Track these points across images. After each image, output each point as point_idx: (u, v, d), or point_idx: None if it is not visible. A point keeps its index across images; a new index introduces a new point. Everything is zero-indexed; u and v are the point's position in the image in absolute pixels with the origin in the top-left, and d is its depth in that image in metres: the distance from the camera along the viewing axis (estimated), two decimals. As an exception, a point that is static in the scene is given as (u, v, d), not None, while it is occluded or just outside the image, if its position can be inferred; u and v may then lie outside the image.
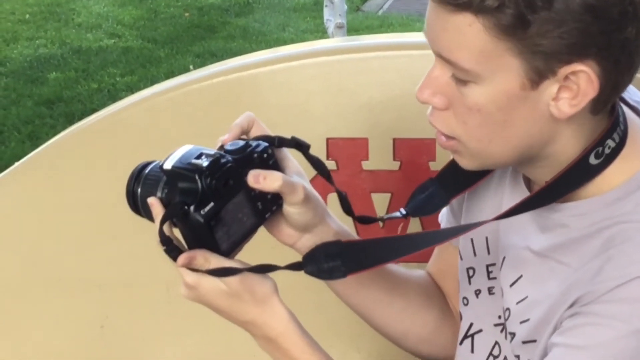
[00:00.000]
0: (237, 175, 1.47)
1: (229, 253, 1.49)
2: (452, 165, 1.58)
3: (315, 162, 1.59)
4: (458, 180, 1.61)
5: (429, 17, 1.40)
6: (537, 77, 1.37)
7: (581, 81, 1.36)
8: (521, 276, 1.54)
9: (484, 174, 1.60)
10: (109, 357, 2.40)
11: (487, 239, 1.62)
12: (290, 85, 2.31)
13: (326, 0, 5.30)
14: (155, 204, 1.47)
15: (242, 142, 1.51)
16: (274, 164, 1.53)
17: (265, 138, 1.54)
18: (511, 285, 1.55)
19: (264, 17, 7.93)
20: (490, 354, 1.64)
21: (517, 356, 1.55)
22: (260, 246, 1.58)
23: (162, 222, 1.46)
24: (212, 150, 1.48)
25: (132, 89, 6.23)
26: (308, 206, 1.56)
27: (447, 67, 1.40)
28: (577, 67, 1.35)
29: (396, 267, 1.73)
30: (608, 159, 1.44)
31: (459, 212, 1.69)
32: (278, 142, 1.56)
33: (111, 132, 2.40)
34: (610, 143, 1.44)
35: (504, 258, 1.58)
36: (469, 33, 1.35)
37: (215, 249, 1.47)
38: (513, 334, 1.55)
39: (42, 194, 2.41)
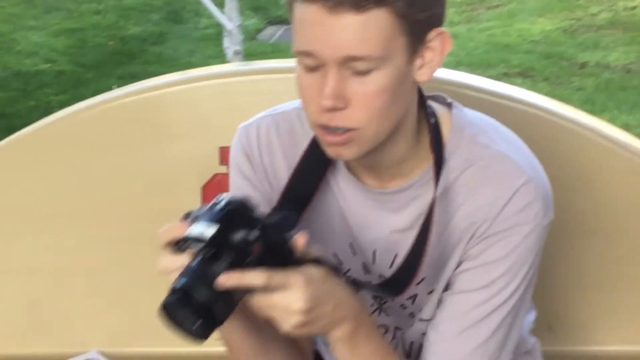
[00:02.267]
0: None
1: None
2: (290, 185, 1.54)
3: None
4: (296, 197, 1.53)
5: (325, 31, 1.34)
6: (415, 49, 1.39)
7: (445, 39, 1.41)
8: (397, 255, 1.54)
9: (317, 185, 1.54)
10: (35, 334, 2.34)
11: (350, 244, 1.58)
12: (193, 103, 2.28)
13: (225, 30, 5.28)
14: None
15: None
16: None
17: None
18: (390, 266, 1.54)
19: (176, 45, 7.88)
20: (412, 342, 1.64)
21: (411, 315, 1.59)
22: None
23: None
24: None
25: (64, 106, 6.08)
26: None
27: (345, 68, 1.36)
28: (437, 32, 1.40)
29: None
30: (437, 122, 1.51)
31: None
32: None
33: (44, 141, 2.36)
34: (431, 104, 1.53)
35: (374, 251, 1.57)
36: (382, 25, 1.34)
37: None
38: (413, 297, 1.56)
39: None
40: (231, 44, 5.22)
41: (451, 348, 1.50)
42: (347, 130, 1.39)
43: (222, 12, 5.30)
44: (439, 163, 1.47)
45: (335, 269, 1.37)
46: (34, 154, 2.34)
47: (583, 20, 7.89)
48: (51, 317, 2.32)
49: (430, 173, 1.47)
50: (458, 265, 1.50)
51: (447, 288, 1.52)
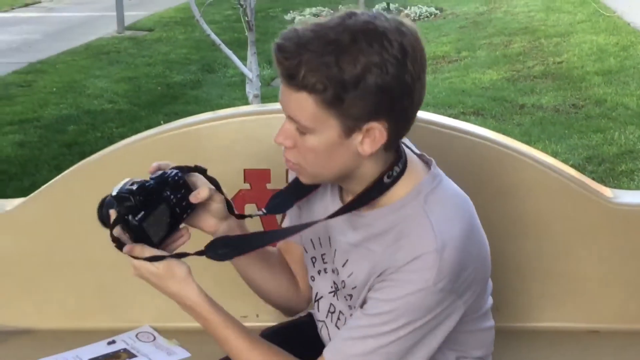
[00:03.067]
0: (157, 192, 1.50)
1: (159, 244, 1.50)
2: (294, 181, 1.60)
3: (211, 180, 1.61)
4: (298, 191, 1.62)
5: (281, 91, 1.41)
6: (349, 131, 1.40)
7: (376, 133, 1.40)
8: (347, 260, 1.55)
9: (315, 188, 1.62)
10: (103, 311, 2.34)
11: (319, 238, 1.63)
12: (223, 135, 2.29)
13: (247, 79, 5.28)
14: (112, 215, 1.50)
15: (161, 172, 1.55)
16: (184, 183, 1.55)
17: (177, 167, 1.56)
18: (342, 266, 1.57)
19: (209, 90, 7.87)
20: (329, 311, 1.66)
21: (350, 307, 1.58)
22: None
23: (111, 228, 1.49)
24: (139, 179, 1.51)
25: (123, 137, 6.10)
26: (223, 203, 1.60)
27: (293, 123, 1.41)
28: (373, 124, 1.40)
29: (266, 249, 1.74)
30: (395, 179, 1.49)
31: (298, 214, 1.69)
32: (185, 170, 1.57)
33: (108, 164, 2.37)
34: (396, 169, 1.48)
35: (335, 250, 1.59)
36: (306, 104, 1.38)
37: (149, 242, 1.48)
38: (350, 295, 1.56)
39: (61, 206, 2.35)
40: (251, 89, 5.23)
41: (337, 347, 1.51)
42: (295, 162, 1.47)
43: (245, 64, 5.31)
44: (349, 207, 1.50)
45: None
46: (101, 175, 2.33)
47: (522, 72, 7.91)
48: (113, 298, 2.33)
49: (384, 211, 1.48)
50: (369, 289, 1.50)
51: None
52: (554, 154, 5.17)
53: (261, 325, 2.01)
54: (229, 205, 1.63)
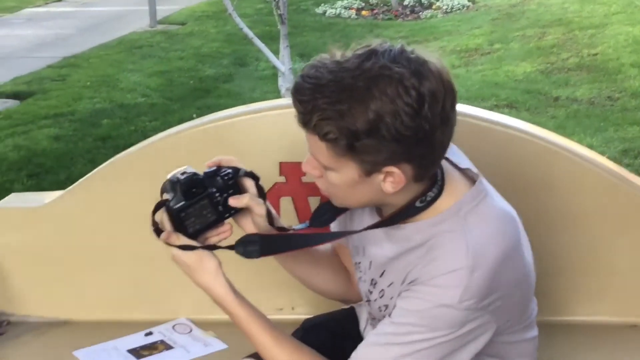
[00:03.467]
0: (202, 186, 1.53)
1: (194, 236, 1.53)
2: None
3: (260, 190, 1.62)
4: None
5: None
6: (368, 172, 1.39)
7: (395, 176, 1.38)
8: (385, 270, 1.55)
9: None
10: (141, 303, 2.38)
11: (363, 247, 1.63)
12: (258, 128, 2.30)
13: (279, 72, 5.30)
14: (165, 196, 1.55)
15: (215, 168, 1.57)
16: (234, 185, 1.57)
17: (233, 168, 1.57)
18: (380, 276, 1.56)
19: (241, 83, 7.89)
20: (367, 319, 1.66)
21: (384, 316, 1.57)
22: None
23: (153, 212, 1.53)
24: (192, 170, 1.54)
25: (156, 131, 6.15)
26: (265, 216, 1.61)
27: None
28: (391, 169, 1.38)
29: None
30: (429, 204, 1.46)
31: (343, 223, 1.69)
32: (241, 173, 1.58)
33: (144, 158, 2.38)
34: (430, 194, 1.47)
35: (371, 262, 1.59)
36: (322, 147, 1.38)
37: (185, 232, 1.50)
38: (386, 306, 1.56)
39: (98, 199, 2.38)
40: (284, 83, 5.25)
41: (363, 351, 1.50)
42: (324, 190, 1.49)
43: (277, 57, 5.32)
44: (380, 224, 1.50)
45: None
46: (136, 168, 2.36)
47: (556, 64, 7.83)
48: (151, 291, 2.36)
49: (423, 225, 1.46)
50: (399, 294, 1.49)
51: None
52: (590, 147, 5.11)
53: (297, 317, 2.02)
54: (270, 217, 1.63)
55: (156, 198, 1.59)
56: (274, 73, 5.86)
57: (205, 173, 1.56)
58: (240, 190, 1.58)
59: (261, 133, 2.30)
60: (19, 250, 2.38)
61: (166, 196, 1.54)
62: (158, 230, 1.54)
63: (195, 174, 1.53)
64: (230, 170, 1.58)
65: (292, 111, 2.46)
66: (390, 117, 1.32)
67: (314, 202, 2.24)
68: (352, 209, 1.60)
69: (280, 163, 2.25)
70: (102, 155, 5.67)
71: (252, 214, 1.61)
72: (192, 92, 7.65)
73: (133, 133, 6.24)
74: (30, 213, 2.37)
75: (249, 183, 1.61)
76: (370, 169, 1.38)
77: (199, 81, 8.04)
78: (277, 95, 5.91)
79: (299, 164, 2.23)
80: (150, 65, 8.72)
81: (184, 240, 1.52)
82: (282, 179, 2.25)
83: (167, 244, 1.53)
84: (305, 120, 1.37)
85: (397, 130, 1.32)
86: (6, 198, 2.51)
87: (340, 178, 1.41)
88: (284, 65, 5.25)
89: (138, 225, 2.40)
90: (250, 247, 1.53)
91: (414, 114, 1.32)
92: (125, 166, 2.39)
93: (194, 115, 6.40)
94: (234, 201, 1.57)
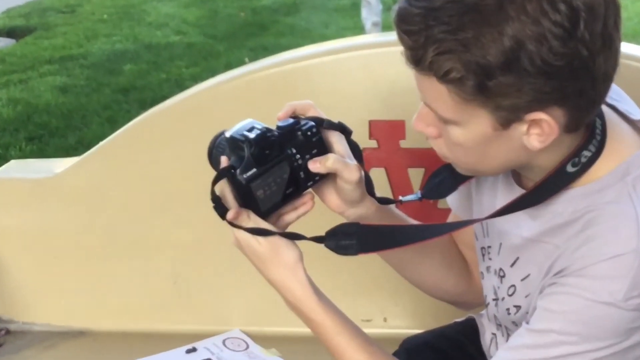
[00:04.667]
0: (278, 146, 1.51)
1: (268, 214, 1.53)
2: None
3: (353, 147, 1.60)
4: None
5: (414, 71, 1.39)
6: (506, 121, 1.36)
7: (544, 125, 1.35)
8: (518, 258, 1.53)
9: None
10: (181, 310, 2.41)
11: (487, 224, 1.62)
12: (338, 75, 2.30)
13: (364, 1, 5.29)
14: (223, 161, 1.52)
15: (292, 120, 1.54)
16: (318, 141, 1.55)
17: (315, 119, 1.56)
18: (511, 265, 1.54)
19: (309, 16, 7.92)
20: (496, 322, 1.65)
21: (514, 323, 1.56)
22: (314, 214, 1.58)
23: (214, 183, 1.50)
24: (262, 125, 1.52)
25: (195, 79, 6.24)
26: (359, 184, 1.58)
27: (431, 109, 1.40)
28: (538, 115, 1.34)
29: None
30: (584, 167, 1.43)
31: (467, 193, 1.68)
32: (326, 124, 1.57)
33: (181, 116, 2.40)
34: (586, 153, 1.43)
35: (500, 244, 1.57)
36: (441, 93, 1.34)
37: (256, 209, 1.51)
38: (518, 307, 1.54)
39: (122, 169, 2.42)
40: (369, 15, 5.24)
41: None
42: (444, 155, 1.47)
43: (360, -19, 5.32)
44: (520, 204, 1.48)
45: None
46: (170, 130, 2.39)
47: None
48: (195, 292, 2.39)
49: (576, 194, 1.44)
50: (540, 291, 1.46)
51: None
52: None
53: (390, 332, 2.03)
54: (368, 184, 1.63)
55: (199, 169, 1.60)
56: (355, 2, 5.85)
57: (279, 127, 1.55)
58: (326, 149, 1.58)
59: (342, 82, 2.30)
60: (21, 235, 2.44)
61: (225, 161, 1.54)
62: (221, 207, 1.54)
63: (268, 130, 1.53)
64: (311, 123, 1.57)
65: (384, 52, 2.49)
66: (533, 43, 1.29)
67: (415, 175, 2.24)
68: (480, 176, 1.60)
69: (370, 122, 2.25)
70: (124, 112, 5.78)
71: (338, 180, 1.61)
72: (242, 28, 7.71)
73: (164, 82, 6.33)
74: (36, 186, 2.42)
75: (336, 138, 1.60)
76: (508, 118, 1.36)
77: (252, 13, 8.11)
78: (359, 31, 5.91)
79: (396, 123, 2.27)
80: (187, -9, 8.82)
81: (256, 222, 1.53)
82: (372, 143, 2.25)
83: (234, 225, 1.54)
84: (418, 57, 1.35)
85: (543, 60, 1.30)
86: (4, 166, 2.58)
87: (467, 134, 1.39)
88: (370, -9, 5.23)
89: (176, 203, 2.46)
90: (344, 240, 1.52)
91: (566, 36, 1.29)
92: (155, 127, 2.42)
93: (247, 59, 6.45)
94: (314, 165, 1.57)
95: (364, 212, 1.63)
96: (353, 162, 1.58)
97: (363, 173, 1.59)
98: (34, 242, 2.43)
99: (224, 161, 1.52)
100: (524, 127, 1.37)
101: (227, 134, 1.53)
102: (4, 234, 2.43)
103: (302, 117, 1.57)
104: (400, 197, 1.67)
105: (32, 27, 7.99)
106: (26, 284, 2.45)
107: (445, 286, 1.79)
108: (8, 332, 2.41)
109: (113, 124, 5.43)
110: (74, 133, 5.54)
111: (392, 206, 1.70)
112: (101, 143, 2.46)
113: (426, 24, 1.31)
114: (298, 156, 1.54)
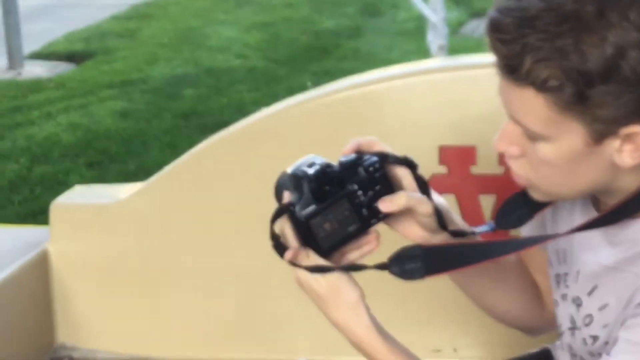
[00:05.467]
0: (338, 182, 1.50)
1: (329, 253, 1.51)
2: None
3: (420, 182, 1.58)
4: None
5: (500, 84, 1.39)
6: (600, 136, 1.35)
7: (638, 140, 1.35)
8: (596, 286, 1.51)
9: None
10: (245, 338, 2.42)
11: (565, 251, 1.60)
12: (407, 99, 2.31)
13: (430, 24, 5.30)
14: (285, 197, 1.51)
15: (355, 155, 1.53)
16: (382, 177, 1.53)
17: (379, 154, 1.55)
18: (588, 294, 1.53)
19: (372, 40, 7.94)
20: (571, 352, 1.64)
21: (591, 353, 1.54)
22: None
23: (272, 221, 1.50)
24: (323, 160, 1.51)
25: (257, 104, 6.27)
26: (434, 215, 1.57)
27: (519, 125, 1.40)
28: (635, 128, 1.33)
29: None
30: None
31: (541, 222, 1.66)
32: (391, 159, 1.56)
33: (246, 142, 2.43)
34: None
35: (578, 271, 1.56)
36: (534, 104, 1.34)
37: (316, 247, 1.50)
38: (596, 337, 1.53)
39: (187, 195, 2.45)
40: (435, 38, 5.24)
41: None
42: (524, 177, 1.45)
43: (426, 3, 5.32)
44: (601, 221, 1.46)
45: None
46: (235, 156, 2.42)
47: None
48: (260, 321, 2.41)
49: None
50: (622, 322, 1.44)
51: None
52: None
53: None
54: (440, 218, 1.63)
55: (264, 196, 1.61)
56: (419, 25, 5.87)
57: (341, 163, 1.55)
58: (390, 184, 1.58)
59: (411, 108, 2.31)
60: (85, 262, 2.47)
61: (287, 197, 1.55)
62: (280, 245, 1.54)
63: (328, 166, 1.52)
64: (375, 158, 1.57)
65: (454, 76, 2.50)
66: (636, 51, 1.29)
67: (486, 202, 2.25)
68: (558, 201, 1.59)
69: (440, 148, 2.26)
70: (184, 137, 5.83)
71: (414, 214, 1.61)
72: (304, 51, 7.75)
73: (225, 107, 6.38)
74: (100, 212, 2.46)
75: (402, 173, 1.60)
76: (603, 132, 1.35)
77: (314, 37, 8.15)
78: (423, 55, 5.91)
79: (467, 149, 2.28)
80: (249, 15, 8.91)
81: (315, 260, 1.54)
82: (442, 169, 2.26)
83: (293, 264, 1.54)
84: (514, 66, 1.34)
85: None
86: (68, 192, 2.61)
87: (556, 151, 1.38)
88: (436, 14, 5.24)
89: (241, 233, 2.48)
90: (410, 264, 1.51)
91: None
92: (220, 153, 2.45)
93: (309, 84, 6.47)
94: (385, 205, 1.56)
95: (446, 238, 1.62)
96: (422, 197, 1.58)
97: (439, 202, 1.60)
98: (98, 269, 2.47)
99: (285, 198, 1.52)
100: (616, 143, 1.36)
101: (289, 170, 1.53)
102: (68, 260, 2.46)
103: (367, 153, 1.57)
104: (473, 229, 1.67)
105: (92, 51, 8.09)
106: (90, 311, 2.48)
107: (519, 312, 1.78)
108: (72, 359, 2.44)
109: (173, 150, 5.49)
110: (134, 159, 5.61)
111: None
112: (166, 169, 2.50)
113: (522, 33, 1.31)
114: (360, 192, 1.52)
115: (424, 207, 1.55)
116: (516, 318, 1.79)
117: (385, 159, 1.56)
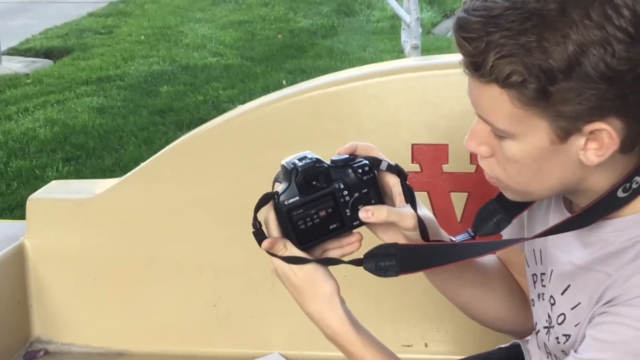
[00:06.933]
0: (325, 179, 1.51)
1: (307, 246, 1.52)
2: None
3: (406, 190, 1.58)
4: (517, 202, 1.57)
5: (468, 83, 1.40)
6: (564, 133, 1.36)
7: (604, 136, 1.34)
8: (569, 286, 1.52)
9: None
10: (221, 332, 2.42)
11: (540, 251, 1.61)
12: (381, 98, 2.31)
13: (403, 24, 5.30)
14: (276, 188, 1.52)
15: (347, 156, 1.54)
16: (370, 181, 1.53)
17: (372, 159, 1.55)
18: (562, 293, 1.54)
19: (347, 39, 7.95)
20: (546, 350, 1.64)
21: (563, 352, 1.54)
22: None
23: (255, 209, 1.50)
24: (315, 156, 1.52)
25: (233, 101, 6.28)
26: (416, 228, 1.57)
27: (487, 124, 1.40)
28: (599, 125, 1.33)
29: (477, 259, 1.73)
30: (635, 193, 1.42)
31: (520, 225, 1.66)
32: (383, 167, 1.55)
33: (222, 138, 2.43)
34: (638, 179, 1.42)
35: (552, 270, 1.57)
36: (499, 101, 1.34)
37: (295, 239, 1.50)
38: (568, 336, 1.53)
39: (163, 190, 2.44)
40: (409, 38, 5.24)
41: None
42: (494, 177, 1.45)
43: (400, 4, 5.33)
44: (570, 225, 1.47)
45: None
46: (211, 152, 2.41)
47: None
48: (235, 315, 2.40)
49: (629, 222, 1.42)
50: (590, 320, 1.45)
51: None
52: None
53: (430, 358, 2.02)
54: (422, 230, 1.62)
55: (240, 192, 1.61)
56: (393, 25, 5.88)
57: (333, 162, 1.55)
58: (378, 190, 1.58)
59: (385, 106, 2.31)
60: (61, 256, 2.46)
61: (277, 189, 1.54)
62: (261, 233, 1.55)
63: (318, 161, 1.53)
64: (365, 161, 1.57)
65: (427, 75, 2.50)
66: (597, 48, 1.30)
67: (457, 200, 2.26)
68: (533, 201, 1.59)
69: (413, 145, 2.26)
70: (161, 133, 5.82)
71: (397, 226, 1.61)
72: (280, 50, 7.74)
73: (201, 104, 6.37)
74: (77, 207, 2.45)
75: (392, 181, 1.60)
76: (567, 128, 1.36)
77: (289, 35, 8.14)
78: (397, 54, 5.92)
79: (439, 147, 2.28)
80: (225, 13, 8.89)
81: (293, 251, 1.54)
82: (415, 167, 2.26)
83: (270, 253, 1.55)
84: (478, 63, 1.35)
85: (607, 64, 1.30)
86: (45, 187, 2.61)
87: (523, 148, 1.38)
88: (410, 15, 5.24)
89: (216, 226, 2.47)
90: (384, 261, 1.52)
91: (630, 41, 1.31)
92: (197, 149, 2.45)
93: (284, 82, 6.47)
94: (365, 215, 1.56)
95: None
96: (406, 207, 1.58)
97: (425, 215, 1.59)
98: (74, 263, 2.46)
99: (276, 189, 1.52)
100: (581, 141, 1.37)
101: (282, 161, 1.53)
102: (44, 254, 2.45)
103: (361, 156, 1.57)
104: (452, 238, 1.67)
105: (69, 48, 8.07)
106: (65, 305, 2.47)
107: (510, 317, 1.77)
108: (47, 352, 2.44)
109: (150, 146, 5.49)
110: (111, 154, 5.59)
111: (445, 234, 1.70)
112: (142, 164, 2.49)
113: (486, 31, 1.32)
114: (345, 192, 1.53)
115: (405, 222, 1.55)
116: (504, 323, 1.79)
117: (377, 165, 1.56)
